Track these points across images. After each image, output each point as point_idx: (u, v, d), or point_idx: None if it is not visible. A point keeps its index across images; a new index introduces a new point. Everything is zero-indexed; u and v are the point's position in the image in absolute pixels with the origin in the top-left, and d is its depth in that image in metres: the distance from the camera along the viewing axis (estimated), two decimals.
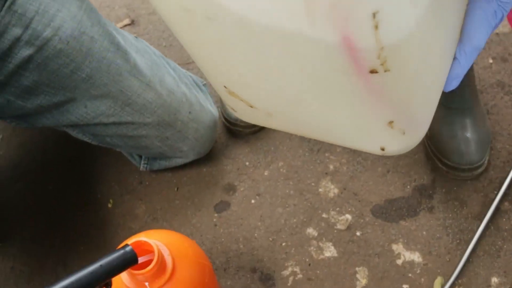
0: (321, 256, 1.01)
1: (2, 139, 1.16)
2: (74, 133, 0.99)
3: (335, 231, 1.04)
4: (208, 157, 1.11)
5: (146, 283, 0.73)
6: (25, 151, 1.15)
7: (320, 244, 1.03)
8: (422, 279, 0.99)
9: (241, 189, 1.08)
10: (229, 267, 1.01)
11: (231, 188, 1.09)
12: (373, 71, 0.42)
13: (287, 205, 1.07)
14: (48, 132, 1.15)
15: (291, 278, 0.98)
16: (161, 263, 0.72)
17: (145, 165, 1.05)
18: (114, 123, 0.96)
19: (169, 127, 0.99)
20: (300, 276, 0.99)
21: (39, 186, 1.09)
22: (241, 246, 1.03)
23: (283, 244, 1.03)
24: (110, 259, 0.64)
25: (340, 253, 1.01)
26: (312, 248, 1.03)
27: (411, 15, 0.39)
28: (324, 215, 1.05)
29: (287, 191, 1.08)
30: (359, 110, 0.47)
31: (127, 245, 0.66)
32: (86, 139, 0.99)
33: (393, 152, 0.59)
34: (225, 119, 1.08)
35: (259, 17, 0.38)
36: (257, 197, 1.08)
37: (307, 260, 1.00)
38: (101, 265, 0.62)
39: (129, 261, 0.65)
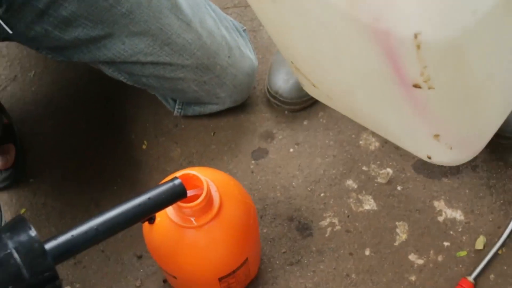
0: (360, 209, 0.96)
1: (34, 75, 1.10)
2: (109, 71, 0.93)
3: (375, 184, 0.98)
4: (246, 104, 1.05)
5: (192, 218, 0.68)
6: (57, 88, 1.09)
7: (360, 196, 0.98)
8: (464, 237, 0.94)
9: (279, 137, 1.03)
10: (265, 214, 0.96)
11: (269, 136, 1.03)
12: (416, 86, 0.41)
13: (326, 156, 1.01)
14: (82, 71, 1.10)
15: (329, 229, 0.94)
16: (209, 198, 0.68)
17: (179, 110, 1.00)
18: (151, 63, 0.90)
19: (208, 71, 0.94)
20: (338, 227, 0.94)
21: (71, 124, 1.04)
22: (278, 194, 0.98)
23: (322, 194, 0.98)
24: (159, 192, 0.59)
25: (380, 206, 0.95)
26: (351, 200, 0.97)
27: (451, 41, 0.37)
28: (364, 168, 1.00)
29: (327, 141, 1.02)
30: (406, 117, 0.47)
31: (175, 178, 0.61)
32: (121, 78, 0.94)
33: (439, 162, 0.61)
34: (267, 89, 1.01)
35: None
36: (295, 146, 1.02)
37: (346, 212, 0.95)
38: (149, 198, 0.57)
39: (178, 195, 0.60)
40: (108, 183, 0.99)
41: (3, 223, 0.77)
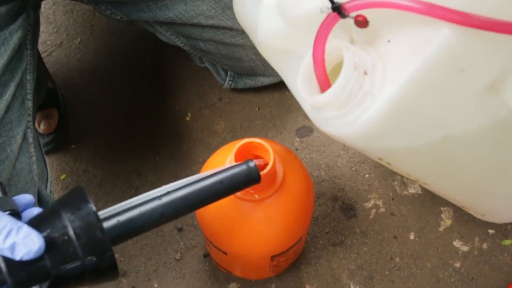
0: (405, 192, 0.84)
1: (80, 42, 0.98)
2: (167, 34, 0.80)
3: None
4: None
5: (252, 191, 0.55)
6: (103, 56, 0.97)
7: (404, 179, 0.85)
8: (509, 226, 0.81)
9: None
10: None
11: None
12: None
13: None
14: (128, 40, 0.97)
15: (373, 211, 0.83)
16: (274, 171, 0.55)
17: (230, 82, 0.88)
18: (212, 26, 0.77)
19: None
20: (382, 209, 0.83)
21: (116, 92, 0.93)
22: (323, 173, 0.85)
23: (366, 175, 0.85)
24: (231, 175, 0.47)
25: (425, 190, 0.83)
26: (396, 183, 0.85)
27: None
28: None
29: None
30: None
31: (250, 160, 0.49)
32: (178, 42, 0.81)
33: (491, 221, 0.66)
34: None
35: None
36: None
37: (391, 194, 0.84)
38: (221, 182, 0.46)
39: (252, 179, 0.48)
40: (150, 154, 0.88)
41: (48, 186, 0.65)
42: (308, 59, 0.43)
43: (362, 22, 0.38)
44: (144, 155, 0.88)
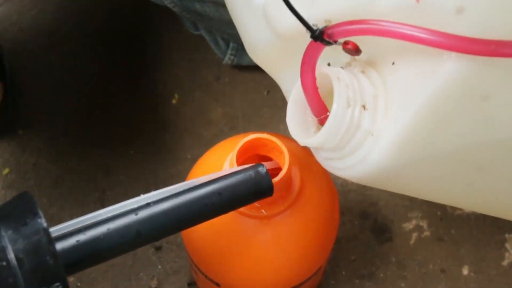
0: (458, 211, 0.83)
1: None
2: None
3: None
4: None
5: (257, 204, 0.54)
6: (65, 14, 0.96)
7: None
8: None
9: None
10: None
11: None
12: None
13: None
14: None
15: (414, 235, 0.83)
16: (289, 178, 0.53)
17: (232, 57, 0.90)
18: None
19: None
20: (427, 233, 0.83)
21: (80, 63, 0.94)
22: (349, 182, 0.84)
23: None
24: (234, 185, 0.46)
25: None
26: None
27: None
28: None
29: None
30: None
31: (259, 164, 0.48)
32: (167, 1, 0.79)
33: None
34: None
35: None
36: None
37: (439, 213, 0.84)
38: (220, 193, 0.45)
39: (262, 191, 0.48)
40: (123, 145, 0.88)
41: None
42: (296, 89, 0.45)
43: (352, 51, 0.40)
44: (115, 147, 0.88)
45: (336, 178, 0.85)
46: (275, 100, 0.90)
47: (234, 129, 0.88)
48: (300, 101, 0.45)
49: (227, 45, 0.88)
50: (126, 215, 0.41)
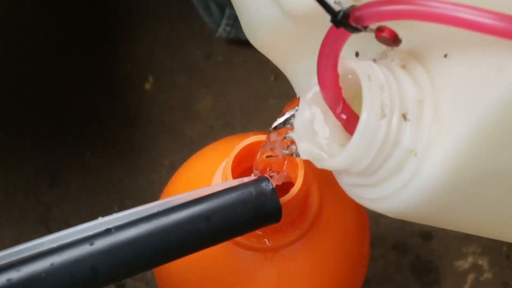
0: None
1: None
2: None
3: None
4: None
5: (259, 232, 0.55)
6: None
7: None
8: None
9: None
10: None
11: None
12: None
13: None
14: None
15: (470, 277, 0.84)
16: (304, 198, 0.54)
17: (228, 28, 0.92)
18: None
19: None
20: (488, 275, 0.84)
21: (22, 34, 0.96)
22: None
23: None
24: (227, 206, 0.47)
25: None
26: None
27: None
28: None
29: None
30: None
31: (263, 178, 0.49)
32: None
33: None
34: None
35: None
36: None
37: (504, 249, 0.85)
38: (208, 218, 0.46)
39: (267, 216, 0.48)
40: (75, 146, 0.90)
41: None
42: (312, 89, 0.45)
43: (388, 40, 0.40)
44: (66, 148, 0.89)
45: None
46: (285, 88, 0.91)
47: (228, 127, 0.90)
48: (318, 105, 0.45)
49: (222, 11, 0.89)
50: (77, 246, 0.41)
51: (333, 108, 0.44)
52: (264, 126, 0.89)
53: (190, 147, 0.83)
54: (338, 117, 0.44)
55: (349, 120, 0.44)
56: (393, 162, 0.42)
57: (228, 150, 0.53)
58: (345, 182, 0.46)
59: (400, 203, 0.43)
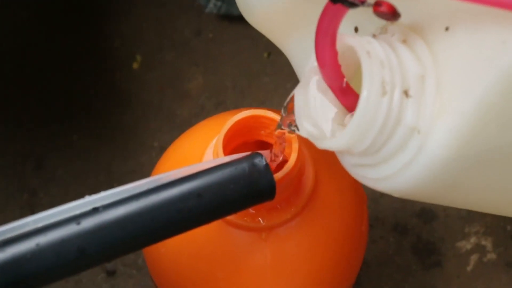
0: None
1: None
2: None
3: None
4: None
5: (252, 211, 0.55)
6: None
7: None
8: None
9: None
10: None
11: None
12: None
13: None
14: None
15: (473, 258, 0.84)
16: (299, 173, 0.55)
17: (218, 3, 0.92)
18: None
19: None
20: (491, 256, 0.84)
21: (12, 11, 0.95)
22: None
23: None
24: (219, 183, 0.47)
25: None
26: None
27: None
28: None
29: None
30: None
31: (256, 153, 0.49)
32: None
33: None
34: None
35: None
36: None
37: (508, 228, 0.85)
38: (199, 195, 0.46)
39: (260, 193, 0.49)
40: (62, 128, 0.90)
41: None
42: (310, 66, 0.46)
43: (387, 15, 0.40)
44: (51, 130, 0.89)
45: None
46: (278, 65, 0.92)
47: (221, 106, 0.90)
48: (317, 83, 0.45)
49: None
50: (63, 225, 0.41)
51: (332, 87, 0.44)
52: (258, 104, 0.90)
53: (181, 127, 0.83)
54: (338, 95, 0.44)
55: (349, 99, 0.44)
56: (396, 140, 0.42)
57: (218, 128, 0.54)
58: (347, 162, 0.47)
59: (405, 182, 0.43)
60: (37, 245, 0.40)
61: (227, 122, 0.53)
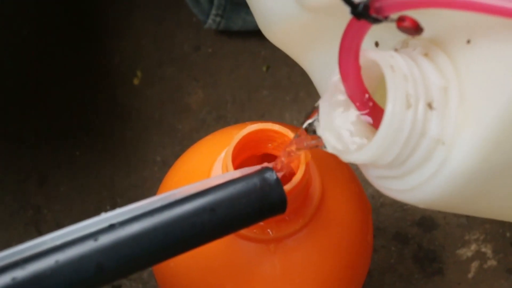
0: None
1: None
2: None
3: None
4: None
5: (261, 223, 0.54)
6: None
7: None
8: None
9: None
10: None
11: None
12: None
13: None
14: None
15: (474, 265, 0.84)
16: (306, 186, 0.54)
17: (217, 19, 0.91)
18: None
19: None
20: (492, 263, 0.84)
21: (3, 24, 0.94)
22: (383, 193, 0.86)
23: None
24: (232, 197, 0.47)
25: None
26: None
27: None
28: None
29: None
30: None
31: (267, 168, 0.49)
32: None
33: None
34: None
35: None
36: None
37: (508, 235, 0.85)
38: (213, 209, 0.46)
39: (272, 207, 0.49)
40: (65, 144, 0.90)
41: None
42: (333, 81, 0.46)
43: (410, 30, 0.40)
44: (54, 146, 0.88)
45: (366, 187, 0.86)
46: (277, 78, 0.91)
47: (221, 120, 0.89)
48: (341, 97, 0.46)
49: (211, 1, 0.89)
50: (81, 242, 0.41)
51: (355, 100, 0.44)
52: (257, 117, 0.90)
53: (182, 142, 0.83)
54: (360, 109, 0.44)
55: (373, 112, 0.44)
56: (421, 152, 0.42)
57: (225, 141, 0.54)
58: (372, 175, 0.47)
59: (430, 193, 0.43)
60: (56, 262, 0.40)
61: (235, 136, 0.53)
